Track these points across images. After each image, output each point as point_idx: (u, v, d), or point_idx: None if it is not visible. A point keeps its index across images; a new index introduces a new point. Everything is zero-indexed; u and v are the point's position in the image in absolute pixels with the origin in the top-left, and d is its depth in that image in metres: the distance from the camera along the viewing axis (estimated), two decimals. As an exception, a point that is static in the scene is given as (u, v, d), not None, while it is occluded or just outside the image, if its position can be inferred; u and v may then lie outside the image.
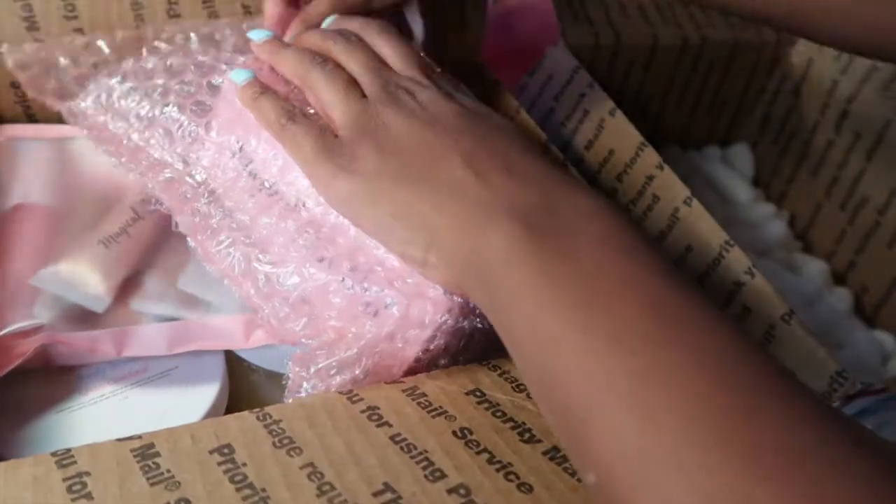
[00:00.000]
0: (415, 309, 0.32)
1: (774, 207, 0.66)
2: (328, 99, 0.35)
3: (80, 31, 0.44)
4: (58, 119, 0.47)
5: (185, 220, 0.38)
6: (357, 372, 0.33)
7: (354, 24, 0.40)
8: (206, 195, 0.38)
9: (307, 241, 0.35)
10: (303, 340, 0.35)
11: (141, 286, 0.38)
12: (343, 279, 0.33)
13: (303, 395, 0.33)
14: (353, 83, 0.36)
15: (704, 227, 0.43)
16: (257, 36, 0.40)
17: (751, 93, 0.67)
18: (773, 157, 0.67)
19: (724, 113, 0.68)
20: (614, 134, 0.47)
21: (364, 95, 0.35)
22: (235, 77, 0.38)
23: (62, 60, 0.44)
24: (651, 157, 0.47)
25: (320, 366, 0.33)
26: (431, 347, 0.33)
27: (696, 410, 0.22)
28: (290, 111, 0.36)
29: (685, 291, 0.26)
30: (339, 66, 0.37)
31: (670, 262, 0.27)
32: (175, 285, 0.38)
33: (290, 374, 0.34)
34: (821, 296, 0.58)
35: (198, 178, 0.38)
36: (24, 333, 0.35)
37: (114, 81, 0.42)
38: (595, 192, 0.31)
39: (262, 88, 0.37)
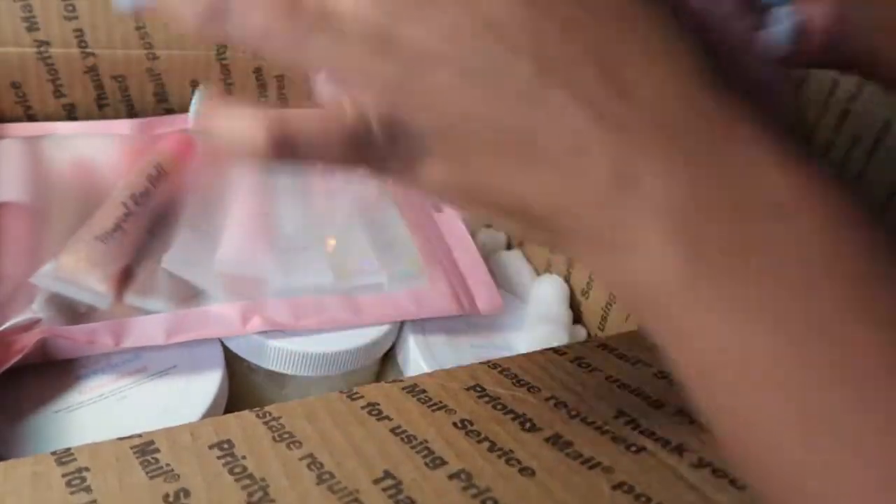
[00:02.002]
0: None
1: (774, 208, 0.65)
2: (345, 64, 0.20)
3: (79, 31, 0.45)
4: (58, 120, 0.47)
5: None
6: None
7: None
8: None
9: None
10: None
11: (134, 280, 0.38)
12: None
13: None
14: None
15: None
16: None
17: (750, 94, 0.67)
18: (774, 158, 0.67)
19: (723, 114, 0.67)
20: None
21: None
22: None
23: None
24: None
25: None
26: None
27: None
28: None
29: None
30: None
31: None
32: (168, 277, 0.38)
33: None
34: (821, 296, 0.58)
35: None
36: (23, 328, 0.35)
37: None
38: (795, 153, 0.19)
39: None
